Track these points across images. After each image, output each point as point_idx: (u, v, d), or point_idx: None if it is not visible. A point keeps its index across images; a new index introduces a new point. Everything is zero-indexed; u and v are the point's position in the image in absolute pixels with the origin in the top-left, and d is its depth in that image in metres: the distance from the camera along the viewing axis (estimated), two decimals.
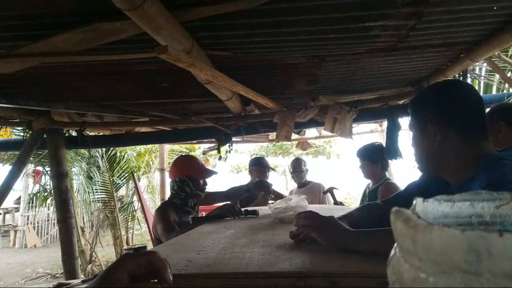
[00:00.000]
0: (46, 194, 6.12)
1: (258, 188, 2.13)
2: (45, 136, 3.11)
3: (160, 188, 6.09)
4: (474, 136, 0.93)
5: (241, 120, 3.10)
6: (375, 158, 2.65)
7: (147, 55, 1.50)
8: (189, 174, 2.13)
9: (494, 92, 3.48)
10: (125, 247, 6.10)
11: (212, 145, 4.87)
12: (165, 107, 2.99)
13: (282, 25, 1.50)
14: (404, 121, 3.02)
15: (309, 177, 3.65)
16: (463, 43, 1.92)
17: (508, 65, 2.87)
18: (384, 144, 3.00)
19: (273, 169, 3.47)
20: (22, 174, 3.50)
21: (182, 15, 1.30)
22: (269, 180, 3.16)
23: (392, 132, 2.98)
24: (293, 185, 4.03)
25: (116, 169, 6.26)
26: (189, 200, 2.13)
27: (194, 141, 5.44)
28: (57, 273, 5.89)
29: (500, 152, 0.98)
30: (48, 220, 9.31)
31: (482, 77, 3.50)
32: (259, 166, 3.26)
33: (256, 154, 12.70)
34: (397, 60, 2.14)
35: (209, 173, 2.23)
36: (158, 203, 7.60)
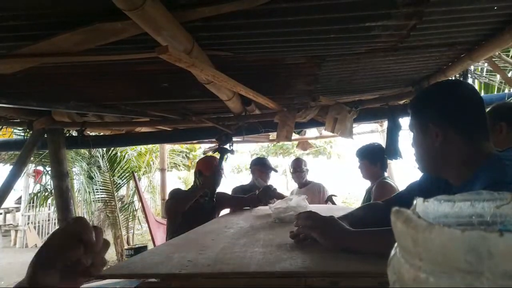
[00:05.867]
0: (46, 194, 6.14)
1: (264, 195, 2.24)
2: (45, 136, 3.12)
3: (161, 188, 6.09)
4: (475, 136, 0.93)
5: (242, 120, 3.10)
6: (374, 158, 2.62)
7: (148, 55, 1.50)
8: (200, 169, 2.59)
9: (495, 92, 3.48)
10: (126, 246, 6.11)
11: (213, 145, 4.87)
12: (165, 107, 2.99)
13: (282, 25, 1.50)
14: (405, 121, 3.02)
15: (309, 177, 3.65)
16: (464, 43, 1.92)
17: (509, 65, 2.87)
18: (384, 145, 2.99)
19: (275, 170, 3.45)
20: (22, 174, 3.50)
21: (182, 15, 1.30)
22: (270, 181, 3.16)
23: (393, 132, 2.97)
24: (294, 185, 4.03)
25: (117, 169, 6.27)
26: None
27: (195, 141, 5.44)
28: None
29: (501, 152, 0.97)
30: (48, 220, 9.30)
31: (483, 77, 3.50)
32: (261, 166, 3.24)
33: (257, 154, 12.70)
34: (397, 60, 2.14)
35: (217, 171, 2.51)
36: (159, 203, 7.60)
